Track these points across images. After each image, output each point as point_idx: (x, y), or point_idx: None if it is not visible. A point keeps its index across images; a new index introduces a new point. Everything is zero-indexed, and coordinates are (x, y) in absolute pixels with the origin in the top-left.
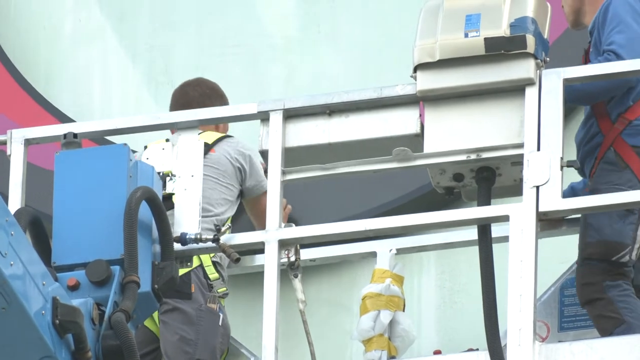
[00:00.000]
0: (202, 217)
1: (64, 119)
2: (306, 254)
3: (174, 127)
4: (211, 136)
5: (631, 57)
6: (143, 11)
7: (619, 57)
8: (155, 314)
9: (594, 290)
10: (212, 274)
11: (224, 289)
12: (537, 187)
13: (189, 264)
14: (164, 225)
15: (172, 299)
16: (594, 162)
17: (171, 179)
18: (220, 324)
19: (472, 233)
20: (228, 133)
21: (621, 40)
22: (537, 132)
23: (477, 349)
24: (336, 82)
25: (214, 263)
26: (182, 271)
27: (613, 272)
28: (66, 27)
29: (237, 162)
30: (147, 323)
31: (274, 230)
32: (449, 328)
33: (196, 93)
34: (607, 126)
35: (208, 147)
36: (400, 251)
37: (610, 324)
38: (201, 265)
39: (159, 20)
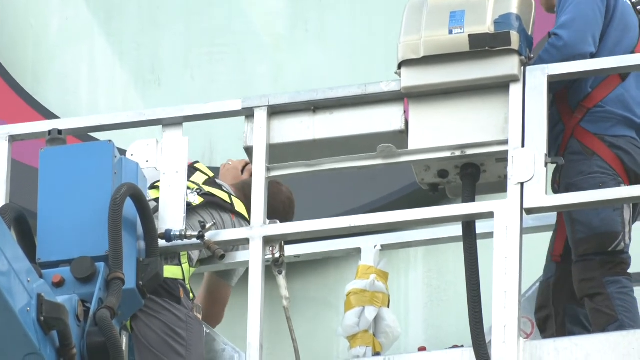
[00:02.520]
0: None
1: (51, 117)
2: (290, 250)
3: (159, 124)
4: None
5: (572, 35)
6: (130, 9)
7: (558, 37)
8: None
9: (593, 286)
10: (191, 292)
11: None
12: (522, 184)
13: (176, 262)
14: (148, 222)
15: (161, 299)
16: (557, 151)
17: (192, 191)
18: (204, 334)
19: (457, 229)
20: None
21: (564, 20)
22: (521, 128)
23: (462, 346)
24: (324, 81)
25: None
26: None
27: (612, 263)
28: (53, 26)
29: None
30: None
31: (258, 227)
32: (436, 325)
33: (281, 206)
34: (567, 115)
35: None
36: (385, 247)
37: (604, 320)
38: (183, 279)
39: (146, 19)
